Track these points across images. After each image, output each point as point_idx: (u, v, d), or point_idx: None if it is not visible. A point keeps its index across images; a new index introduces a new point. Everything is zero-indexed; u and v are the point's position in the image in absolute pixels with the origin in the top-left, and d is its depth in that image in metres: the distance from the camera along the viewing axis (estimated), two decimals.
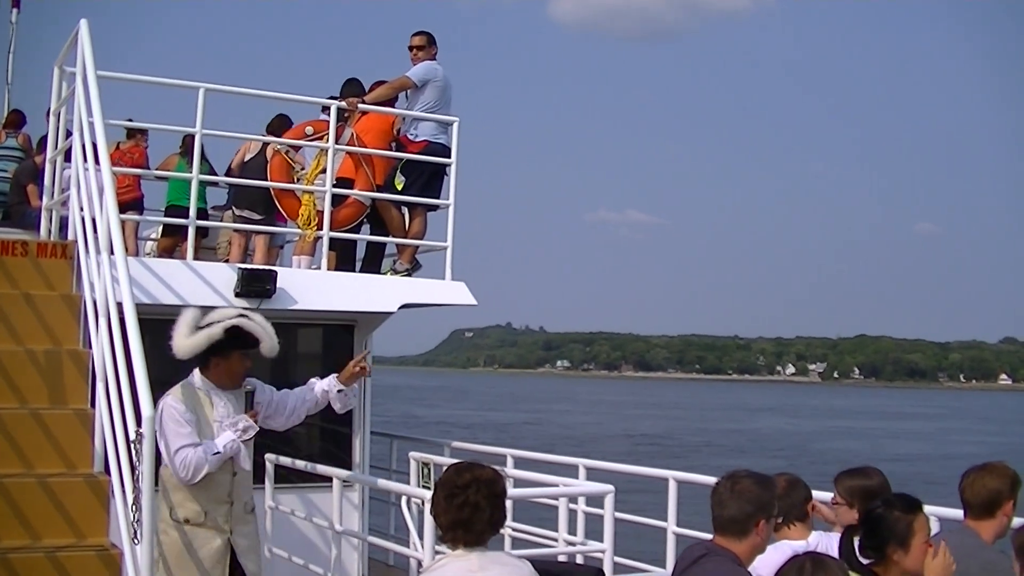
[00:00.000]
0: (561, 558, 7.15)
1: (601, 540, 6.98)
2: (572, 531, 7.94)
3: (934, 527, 5.01)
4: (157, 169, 11.03)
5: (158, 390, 5.54)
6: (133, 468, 4.79)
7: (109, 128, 6.32)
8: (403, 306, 8.93)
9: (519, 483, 8.07)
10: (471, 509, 3.91)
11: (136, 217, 10.31)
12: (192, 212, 8.51)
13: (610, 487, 6.97)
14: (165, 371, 5.99)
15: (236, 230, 9.79)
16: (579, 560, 7.34)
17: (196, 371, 6.13)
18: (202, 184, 9.57)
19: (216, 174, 10.49)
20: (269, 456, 8.06)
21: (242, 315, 6.17)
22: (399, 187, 9.52)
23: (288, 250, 10.61)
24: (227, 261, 9.51)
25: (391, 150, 9.63)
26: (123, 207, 8.01)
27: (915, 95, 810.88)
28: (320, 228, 8.93)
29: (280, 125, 10.07)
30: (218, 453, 5.92)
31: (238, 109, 13.55)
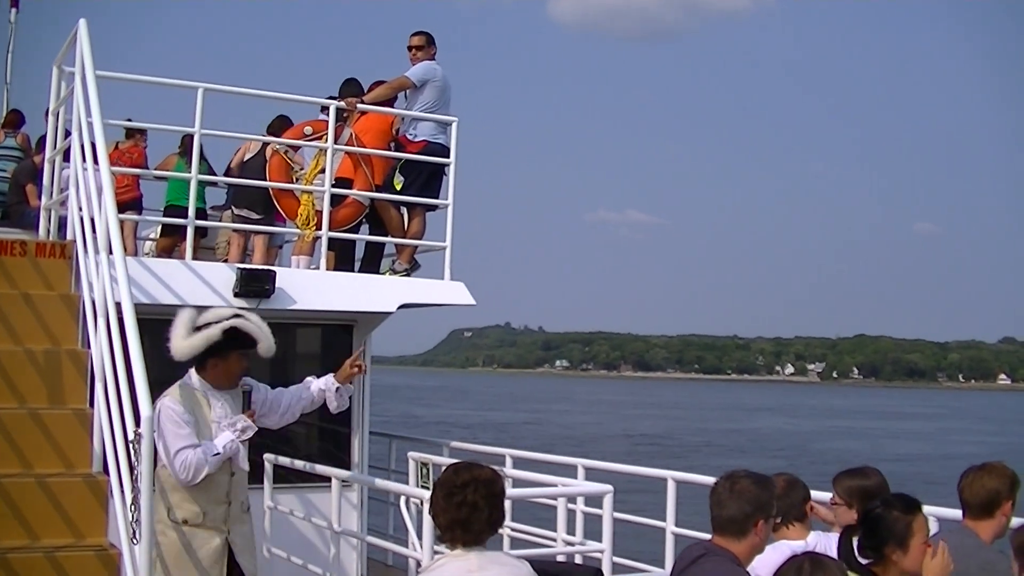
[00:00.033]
0: (560, 558, 7.15)
1: (600, 540, 6.98)
2: (571, 531, 7.94)
3: (933, 527, 5.01)
4: (156, 169, 11.03)
5: (157, 390, 5.55)
6: (132, 468, 4.79)
7: (108, 128, 6.31)
8: (402, 306, 8.92)
9: (518, 483, 8.07)
10: (469, 509, 3.91)
11: (135, 217, 10.31)
12: (191, 212, 8.50)
13: (609, 487, 6.97)
14: (164, 371, 5.99)
15: (235, 230, 9.79)
16: (578, 560, 7.34)
17: (192, 372, 6.12)
18: (201, 184, 9.57)
19: (215, 174, 10.50)
20: (268, 456, 8.06)
21: (238, 315, 6.16)
22: (398, 187, 9.51)
23: (287, 250, 10.61)
24: (226, 261, 9.51)
25: (390, 150, 9.63)
26: (122, 207, 8.00)
27: (914, 95, 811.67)
28: (319, 228, 8.93)
29: (281, 126, 10.06)
30: (218, 454, 5.92)
31: (237, 109, 13.56)
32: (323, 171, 9.05)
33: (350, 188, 9.27)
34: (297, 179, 9.32)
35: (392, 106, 9.76)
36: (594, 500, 7.61)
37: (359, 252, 9.76)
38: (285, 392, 6.52)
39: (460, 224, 9.37)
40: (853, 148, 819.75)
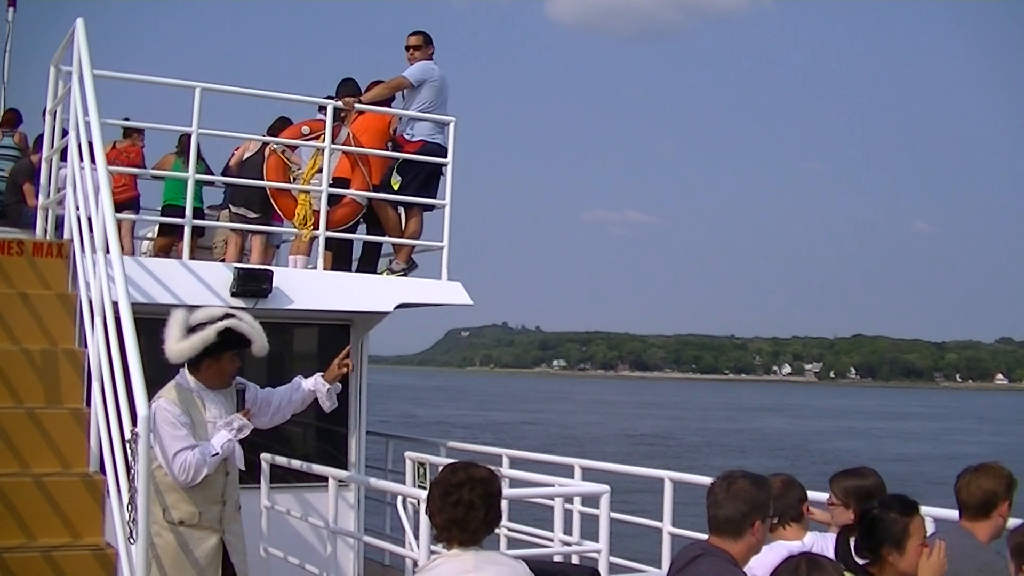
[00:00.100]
0: (557, 558, 7.14)
1: (597, 540, 6.97)
2: (568, 531, 7.93)
3: (929, 527, 5.01)
4: (153, 168, 11.02)
5: (153, 389, 5.54)
6: (129, 468, 4.78)
7: (105, 127, 6.30)
8: (399, 306, 8.92)
9: (515, 483, 8.06)
10: (465, 508, 3.91)
11: (132, 216, 10.29)
12: (188, 211, 8.50)
13: (606, 487, 6.96)
14: (161, 371, 5.98)
15: (232, 230, 9.78)
16: (575, 560, 7.34)
17: (185, 372, 6.10)
18: (198, 183, 9.55)
19: (212, 174, 10.48)
20: (265, 456, 8.05)
21: (230, 315, 6.14)
22: (395, 187, 9.50)
23: (284, 249, 10.60)
24: (223, 260, 9.49)
25: (387, 150, 9.62)
26: (119, 206, 8.00)
27: (912, 94, 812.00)
28: (316, 228, 8.92)
29: (281, 127, 10.05)
30: (216, 454, 5.91)
31: (235, 109, 13.54)
32: (320, 171, 9.04)
33: (347, 188, 9.27)
34: (295, 179, 9.31)
35: (390, 106, 9.76)
36: (591, 500, 7.60)
37: (356, 252, 9.75)
38: (275, 392, 6.51)
39: (457, 224, 9.38)
40: (851, 148, 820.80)
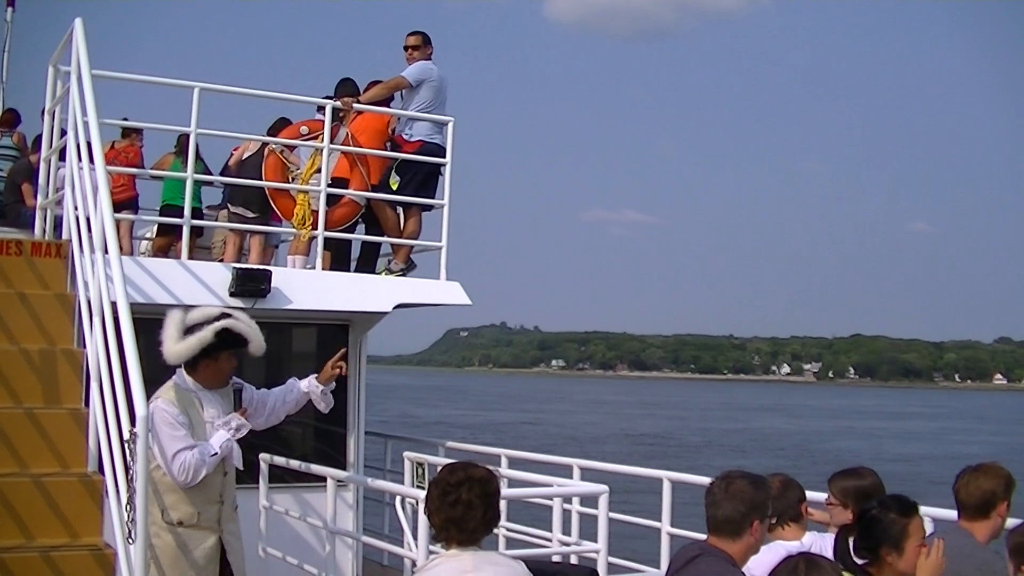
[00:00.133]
0: (555, 558, 7.14)
1: (595, 540, 6.97)
2: (566, 531, 7.93)
3: (928, 528, 5.01)
4: (152, 168, 11.02)
5: (151, 389, 5.54)
6: (127, 468, 4.78)
7: (104, 127, 6.31)
8: (398, 306, 8.92)
9: (513, 483, 8.06)
10: (464, 507, 3.92)
11: (131, 216, 10.28)
12: (187, 211, 8.50)
13: (604, 487, 6.96)
14: (159, 371, 5.98)
15: (231, 230, 9.78)
16: (573, 560, 7.34)
17: (182, 372, 6.09)
18: (197, 183, 9.56)
19: (211, 173, 10.48)
20: (264, 456, 8.05)
21: (227, 315, 6.14)
22: (394, 187, 9.50)
23: (283, 249, 10.60)
24: (222, 260, 9.49)
25: (386, 150, 9.62)
26: (118, 206, 8.01)
27: (911, 94, 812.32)
28: (315, 228, 8.92)
29: (282, 128, 10.04)
30: (216, 454, 5.91)
31: (234, 109, 13.55)
32: (319, 171, 9.05)
33: (346, 188, 9.27)
34: (293, 179, 9.31)
35: (388, 106, 9.76)
36: (590, 500, 7.60)
37: (355, 252, 9.75)
38: (270, 394, 6.51)
39: (456, 224, 9.39)
40: (849, 147, 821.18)
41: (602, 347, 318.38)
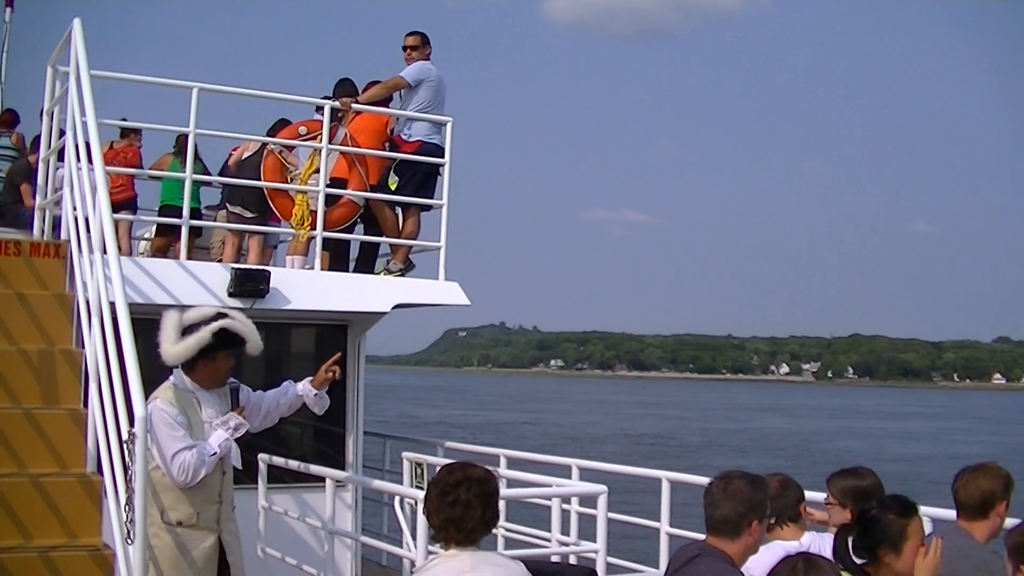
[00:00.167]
0: (554, 558, 7.15)
1: (594, 540, 6.97)
2: (565, 531, 7.94)
3: (927, 527, 5.01)
4: (151, 169, 11.02)
5: (150, 390, 5.53)
6: (126, 468, 4.78)
7: (103, 127, 6.31)
8: (397, 306, 8.92)
9: (512, 483, 8.07)
10: (463, 507, 3.91)
11: (129, 217, 10.29)
12: (186, 212, 8.50)
13: (603, 487, 6.96)
14: (158, 371, 5.98)
15: (230, 230, 9.78)
16: (572, 560, 7.34)
17: (180, 372, 6.08)
18: (196, 184, 9.56)
19: (210, 174, 10.48)
20: (263, 456, 8.05)
21: (224, 315, 6.14)
22: (393, 187, 9.51)
23: (282, 250, 10.60)
24: (221, 261, 9.49)
25: (385, 150, 9.63)
26: (116, 207, 8.01)
27: (912, 94, 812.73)
28: (313, 228, 8.92)
29: (281, 128, 10.04)
30: (215, 454, 5.91)
31: (233, 109, 13.54)
32: (318, 171, 9.04)
33: (345, 188, 9.27)
34: (292, 179, 9.31)
35: (387, 106, 9.76)
36: (588, 500, 7.60)
37: (354, 252, 9.75)
38: (266, 395, 6.50)
39: (454, 224, 9.39)
40: (851, 148, 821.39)
41: (601, 347, 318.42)
